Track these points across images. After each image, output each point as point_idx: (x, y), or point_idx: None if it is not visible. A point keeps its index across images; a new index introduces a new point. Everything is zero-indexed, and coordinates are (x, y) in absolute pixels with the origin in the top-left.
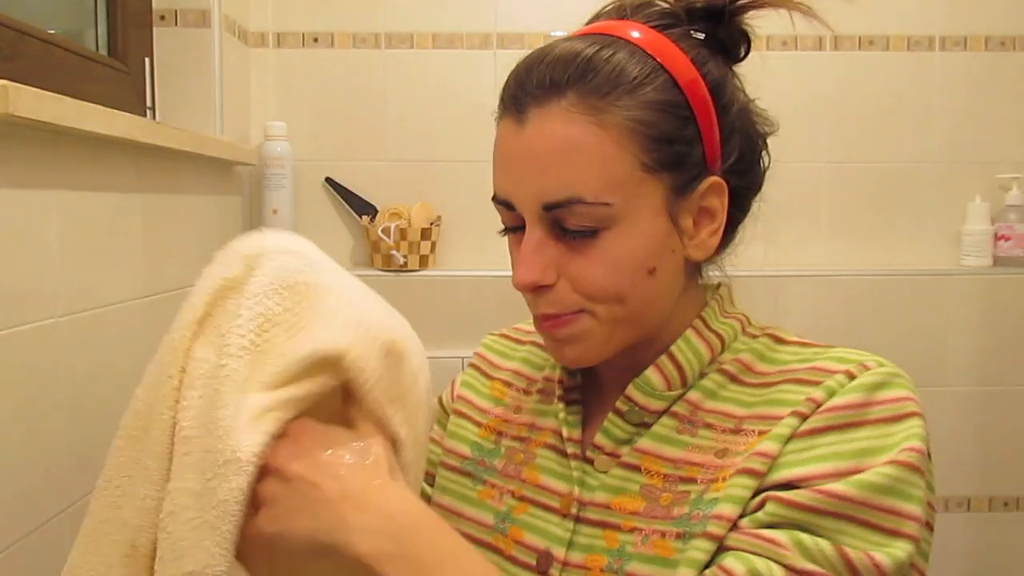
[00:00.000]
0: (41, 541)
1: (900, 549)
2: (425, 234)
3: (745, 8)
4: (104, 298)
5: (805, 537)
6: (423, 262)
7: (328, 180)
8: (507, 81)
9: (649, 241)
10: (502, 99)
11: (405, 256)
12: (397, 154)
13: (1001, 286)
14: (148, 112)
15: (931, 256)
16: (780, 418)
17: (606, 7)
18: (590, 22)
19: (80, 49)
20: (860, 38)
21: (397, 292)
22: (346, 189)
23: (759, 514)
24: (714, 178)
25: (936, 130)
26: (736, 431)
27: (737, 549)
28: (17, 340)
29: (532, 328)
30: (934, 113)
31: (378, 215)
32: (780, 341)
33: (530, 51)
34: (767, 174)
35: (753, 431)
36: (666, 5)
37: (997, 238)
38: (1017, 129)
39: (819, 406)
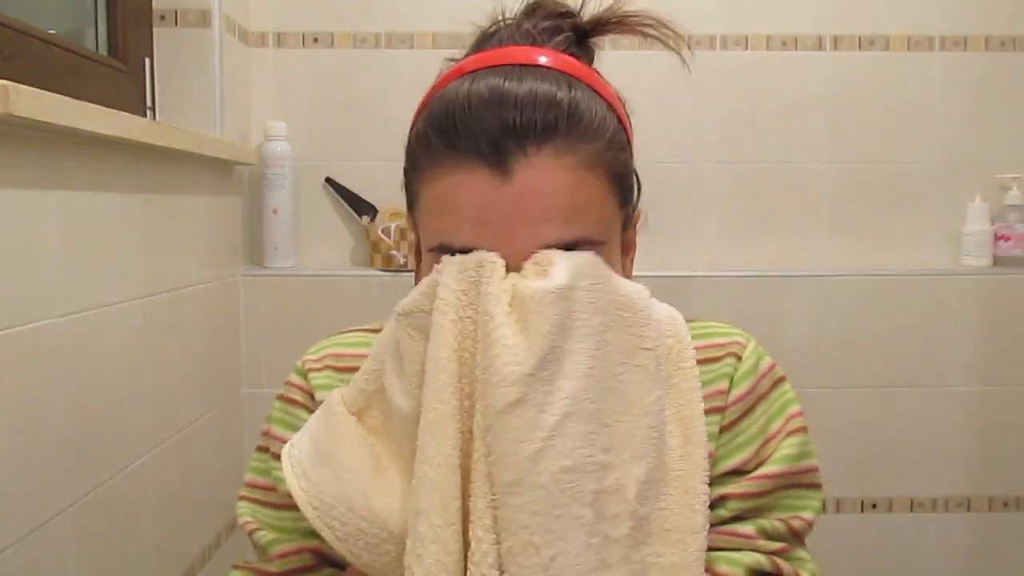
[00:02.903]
0: (41, 541)
1: (818, 499)
2: None
3: (608, 30)
4: (104, 298)
5: (764, 522)
6: None
7: (328, 180)
8: (451, 122)
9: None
10: (451, 143)
11: (405, 256)
12: (397, 154)
13: (1001, 286)
14: (148, 112)
15: (931, 256)
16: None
17: (492, 27)
18: (486, 40)
19: (80, 49)
20: (860, 38)
21: (397, 292)
22: (346, 189)
23: (723, 512)
24: (638, 209)
25: (936, 130)
26: None
27: (720, 549)
28: (17, 340)
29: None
30: (934, 113)
31: (378, 215)
32: None
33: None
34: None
35: None
36: (557, 23)
37: (997, 238)
38: (1017, 129)
39: (727, 395)
